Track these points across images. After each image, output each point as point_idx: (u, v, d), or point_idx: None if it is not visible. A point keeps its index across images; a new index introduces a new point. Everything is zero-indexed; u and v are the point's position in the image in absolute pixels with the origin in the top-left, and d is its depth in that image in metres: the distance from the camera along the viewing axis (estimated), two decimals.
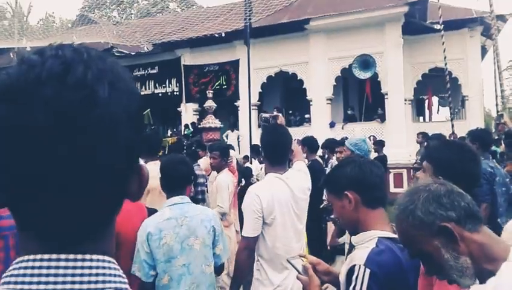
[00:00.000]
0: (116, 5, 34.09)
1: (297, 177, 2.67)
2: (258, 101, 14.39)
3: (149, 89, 15.75)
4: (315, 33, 13.50)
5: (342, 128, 13.21)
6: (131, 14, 33.12)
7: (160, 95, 15.81)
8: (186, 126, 14.61)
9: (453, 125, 10.37)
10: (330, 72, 13.48)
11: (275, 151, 2.68)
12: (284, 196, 2.52)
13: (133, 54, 14.93)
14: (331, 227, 4.80)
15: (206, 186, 5.30)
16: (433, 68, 13.29)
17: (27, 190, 0.50)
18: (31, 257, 0.52)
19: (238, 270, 2.56)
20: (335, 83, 13.59)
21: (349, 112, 14.24)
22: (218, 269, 2.64)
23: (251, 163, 8.76)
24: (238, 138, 13.69)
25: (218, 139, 11.96)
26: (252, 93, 11.65)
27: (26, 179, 0.50)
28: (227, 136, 13.79)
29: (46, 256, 0.51)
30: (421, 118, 17.89)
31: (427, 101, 16.20)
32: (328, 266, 1.79)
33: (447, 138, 7.85)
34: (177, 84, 15.60)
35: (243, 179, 6.14)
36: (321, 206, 4.54)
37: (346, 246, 3.41)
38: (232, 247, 4.09)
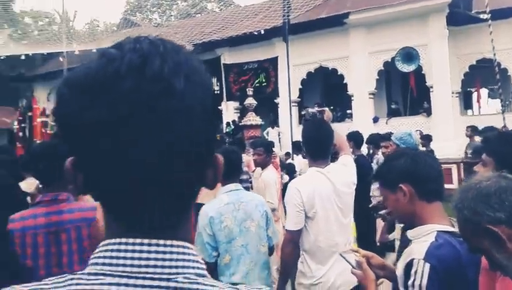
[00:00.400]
0: (157, 7, 34.92)
1: (341, 171, 2.67)
2: (298, 97, 14.33)
3: None
4: (355, 27, 13.26)
5: (386, 123, 12.90)
6: (171, 15, 33.83)
7: None
8: (228, 124, 14.76)
9: (504, 118, 9.89)
10: (372, 66, 13.21)
11: (316, 146, 2.70)
12: (325, 190, 2.54)
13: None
14: (380, 223, 4.72)
15: (251, 183, 5.34)
16: (480, 59, 12.70)
17: (112, 180, 0.52)
18: (117, 240, 0.54)
19: (284, 263, 2.63)
20: (377, 77, 13.30)
21: (393, 106, 13.89)
22: (271, 250, 2.85)
23: (292, 159, 8.76)
24: (278, 135, 13.69)
25: (259, 136, 12.00)
26: (291, 89, 11.61)
27: (110, 169, 0.52)
28: (267, 133, 13.82)
29: (130, 240, 0.53)
30: (470, 111, 17.18)
31: (475, 94, 15.54)
32: (383, 261, 1.76)
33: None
34: (218, 83, 15.78)
35: (286, 175, 6.14)
36: (370, 205, 4.48)
37: (397, 243, 3.34)
38: (280, 240, 4.13)
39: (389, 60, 12.82)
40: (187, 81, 0.53)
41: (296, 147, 8.34)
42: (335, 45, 13.59)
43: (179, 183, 0.55)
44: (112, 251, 0.54)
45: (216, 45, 15.30)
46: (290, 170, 6.20)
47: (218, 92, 15.79)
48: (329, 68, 13.97)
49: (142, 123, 0.50)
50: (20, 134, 9.28)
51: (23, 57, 13.38)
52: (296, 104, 14.08)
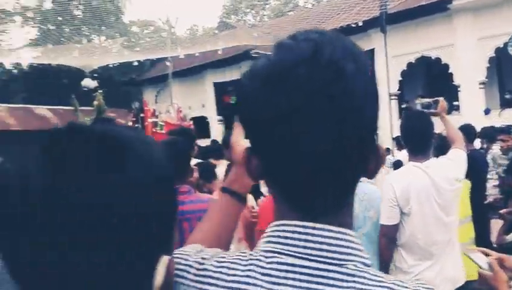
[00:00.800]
0: (250, 8, 35.77)
1: (443, 166, 2.52)
2: (398, 90, 13.67)
3: None
4: (460, 12, 12.28)
5: (499, 115, 11.72)
6: (265, 15, 34.41)
7: None
8: None
9: None
10: (481, 53, 12.11)
11: (414, 139, 2.60)
12: (422, 185, 2.44)
13: (269, 54, 15.49)
14: (495, 223, 4.36)
15: None
16: None
17: (285, 168, 0.54)
18: (288, 222, 0.57)
19: (381, 257, 2.62)
20: (488, 65, 12.17)
21: (507, 97, 12.61)
22: None
23: (393, 155, 8.45)
24: None
25: None
26: (390, 82, 11.12)
27: (284, 157, 0.54)
28: None
29: (304, 223, 0.56)
30: None
31: None
32: None
33: None
34: None
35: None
36: (485, 201, 4.15)
37: None
38: None
39: (501, 46, 11.65)
40: (356, 67, 0.53)
41: (399, 142, 8.03)
42: (438, 33, 12.72)
43: (347, 171, 0.55)
44: (284, 231, 0.57)
45: None
46: (397, 167, 5.99)
47: None
48: (432, 57, 13.12)
49: (315, 111, 0.51)
50: None
51: (135, 63, 14.67)
52: (396, 97, 13.47)
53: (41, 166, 0.46)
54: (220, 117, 16.70)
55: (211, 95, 16.76)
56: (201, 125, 10.18)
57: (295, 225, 0.56)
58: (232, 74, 15.59)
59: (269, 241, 0.58)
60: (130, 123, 10.52)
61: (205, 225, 0.90)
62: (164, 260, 0.52)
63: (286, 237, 0.56)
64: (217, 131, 15.59)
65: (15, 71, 22.03)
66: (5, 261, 0.48)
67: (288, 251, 0.56)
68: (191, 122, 11.62)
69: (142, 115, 10.28)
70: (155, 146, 0.55)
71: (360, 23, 13.31)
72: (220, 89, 16.40)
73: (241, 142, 0.87)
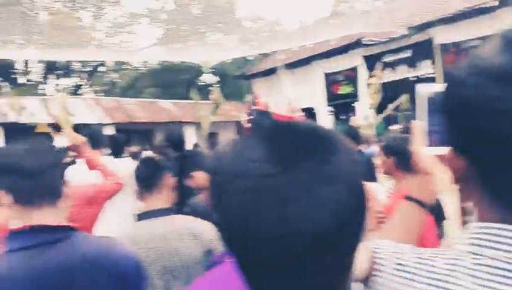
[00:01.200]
0: None
1: None
2: None
3: (401, 74, 15.38)
4: None
5: None
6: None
7: (412, 79, 15.23)
8: None
9: None
10: None
11: None
12: None
13: (382, 40, 14.87)
14: None
15: None
16: None
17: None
18: (501, 226, 0.55)
19: None
20: None
21: None
22: None
23: None
24: None
25: None
26: None
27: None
28: None
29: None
30: None
31: None
32: None
33: None
34: (433, 66, 14.70)
35: None
36: None
37: None
38: None
39: None
40: None
41: None
42: None
43: None
44: (498, 236, 0.55)
45: (429, 24, 14.22)
46: None
47: (433, 75, 14.71)
48: None
49: None
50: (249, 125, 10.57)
51: (250, 58, 15.19)
52: None
53: (267, 158, 0.47)
54: (329, 108, 16.49)
55: (320, 85, 16.62)
56: (310, 116, 10.22)
57: (499, 228, 0.55)
58: (341, 64, 15.30)
59: (473, 244, 0.57)
60: (245, 115, 10.96)
61: (389, 231, 0.89)
62: (366, 249, 0.52)
63: (497, 242, 0.55)
64: (326, 122, 15.48)
65: (143, 69, 24.37)
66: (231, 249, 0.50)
67: (500, 256, 0.54)
68: (303, 113, 11.69)
69: (255, 107, 10.65)
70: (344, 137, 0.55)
71: (496, 3, 11.99)
72: (330, 79, 16.21)
73: (423, 149, 0.83)
